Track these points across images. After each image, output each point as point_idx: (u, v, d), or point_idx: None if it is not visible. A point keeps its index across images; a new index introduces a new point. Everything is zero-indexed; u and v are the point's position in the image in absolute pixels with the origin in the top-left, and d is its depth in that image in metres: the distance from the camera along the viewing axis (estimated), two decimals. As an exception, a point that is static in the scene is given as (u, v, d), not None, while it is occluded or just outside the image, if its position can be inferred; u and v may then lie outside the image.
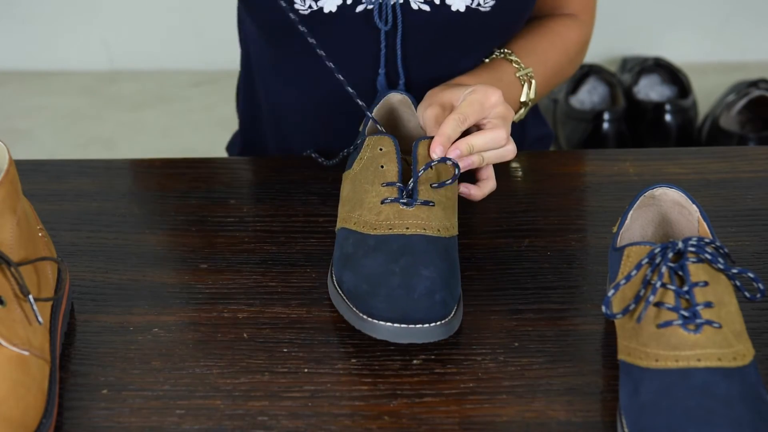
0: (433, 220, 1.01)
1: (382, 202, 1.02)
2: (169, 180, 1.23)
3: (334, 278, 1.02)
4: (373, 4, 1.20)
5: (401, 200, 1.01)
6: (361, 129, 1.14)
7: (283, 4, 1.15)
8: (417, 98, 1.17)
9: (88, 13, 2.71)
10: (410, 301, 0.95)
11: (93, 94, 2.67)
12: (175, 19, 2.69)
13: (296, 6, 1.19)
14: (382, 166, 1.03)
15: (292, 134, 1.34)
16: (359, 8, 1.20)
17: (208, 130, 2.52)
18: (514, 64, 1.23)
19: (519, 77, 1.23)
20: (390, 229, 1.00)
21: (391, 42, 1.23)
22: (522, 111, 1.24)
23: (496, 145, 1.08)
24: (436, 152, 1.04)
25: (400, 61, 1.23)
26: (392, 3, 1.20)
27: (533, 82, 1.23)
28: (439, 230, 1.01)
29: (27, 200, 1.02)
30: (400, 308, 0.95)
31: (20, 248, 0.95)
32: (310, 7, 1.19)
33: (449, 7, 1.20)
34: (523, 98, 1.23)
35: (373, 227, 1.01)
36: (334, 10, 1.20)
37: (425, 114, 1.10)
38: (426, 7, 1.20)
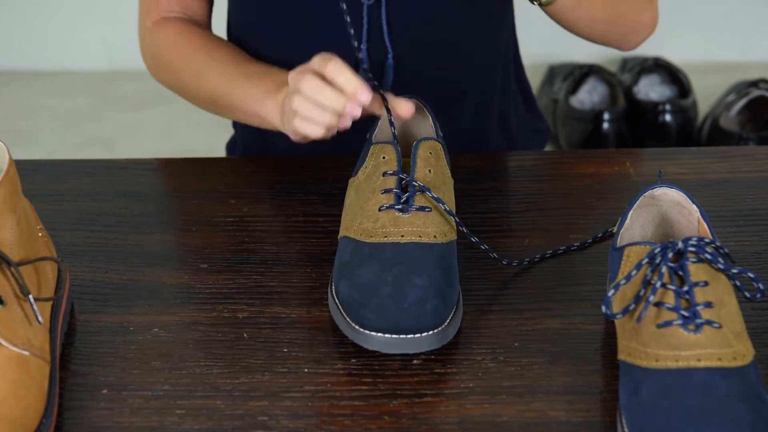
0: (430, 225, 1.00)
1: (380, 209, 1.01)
2: (169, 180, 1.23)
3: (333, 286, 1.02)
4: None
5: (397, 207, 1.01)
6: (368, 136, 1.12)
7: None
8: (406, 72, 1.15)
9: (88, 13, 2.71)
10: (400, 310, 0.95)
11: (93, 94, 2.67)
12: (175, 19, 2.69)
13: None
14: (383, 174, 1.03)
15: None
16: None
17: (208, 130, 2.52)
18: None
19: None
20: (385, 236, 0.99)
21: (376, 16, 1.22)
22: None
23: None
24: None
25: (387, 35, 1.22)
26: None
27: None
28: (435, 236, 1.00)
29: (27, 200, 1.02)
30: (391, 318, 0.95)
31: (20, 248, 0.95)
32: None
33: None
34: None
35: (369, 235, 1.00)
36: None
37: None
38: None
